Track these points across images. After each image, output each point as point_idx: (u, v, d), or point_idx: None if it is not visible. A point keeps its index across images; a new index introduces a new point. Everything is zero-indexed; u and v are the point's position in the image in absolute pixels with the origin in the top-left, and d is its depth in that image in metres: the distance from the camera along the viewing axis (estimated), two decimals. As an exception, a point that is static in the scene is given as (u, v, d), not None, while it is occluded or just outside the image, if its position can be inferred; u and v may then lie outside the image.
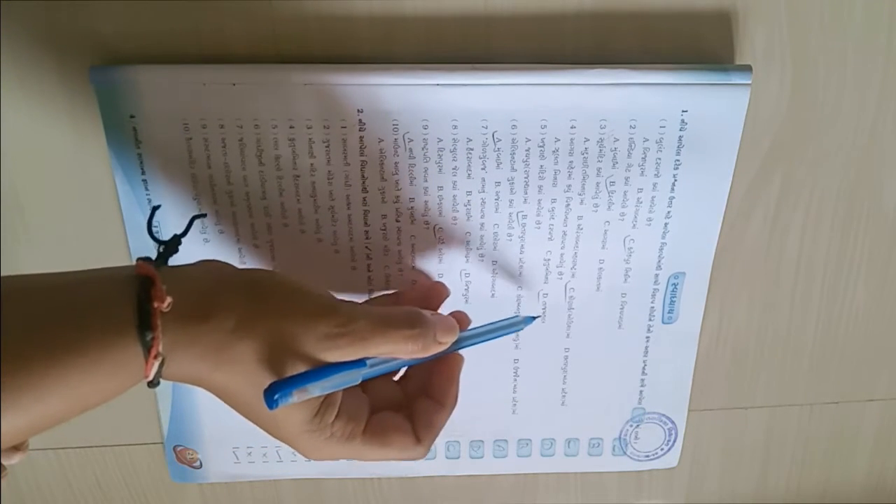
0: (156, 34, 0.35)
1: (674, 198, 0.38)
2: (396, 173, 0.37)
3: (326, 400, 0.29)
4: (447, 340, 0.32)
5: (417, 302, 0.36)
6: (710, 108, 0.36)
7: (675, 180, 0.38)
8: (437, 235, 0.39)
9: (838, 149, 0.40)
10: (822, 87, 0.38)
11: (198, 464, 0.45)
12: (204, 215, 0.37)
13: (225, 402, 0.29)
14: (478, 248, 0.39)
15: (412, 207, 0.38)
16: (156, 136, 0.36)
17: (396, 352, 0.30)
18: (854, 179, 0.41)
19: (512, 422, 0.45)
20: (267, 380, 0.27)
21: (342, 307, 0.30)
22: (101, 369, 0.25)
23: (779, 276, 0.43)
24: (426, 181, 0.37)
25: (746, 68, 0.36)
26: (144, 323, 0.26)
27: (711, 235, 0.40)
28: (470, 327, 0.35)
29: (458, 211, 0.38)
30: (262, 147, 0.36)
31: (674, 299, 0.41)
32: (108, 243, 0.39)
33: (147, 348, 0.26)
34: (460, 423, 0.44)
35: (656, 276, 0.41)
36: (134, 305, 0.26)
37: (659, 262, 0.40)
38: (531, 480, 0.48)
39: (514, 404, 0.44)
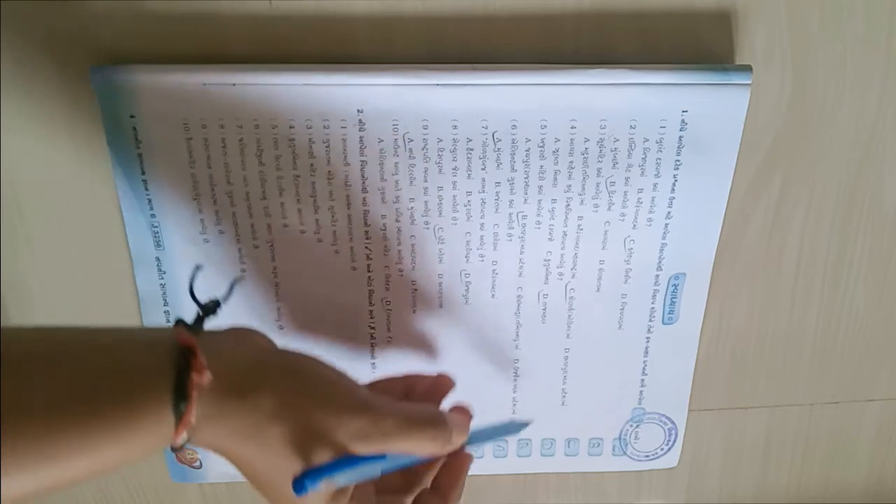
0: (156, 34, 0.35)
1: (674, 198, 0.38)
2: (396, 173, 0.37)
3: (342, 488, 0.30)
4: (460, 441, 0.34)
5: (425, 395, 0.38)
6: (710, 108, 0.36)
7: (676, 180, 0.38)
8: (437, 235, 0.39)
9: (838, 149, 0.40)
10: (822, 87, 0.38)
11: (198, 464, 0.45)
12: (242, 278, 0.38)
13: (243, 473, 0.30)
14: (478, 248, 0.39)
15: (412, 207, 0.38)
16: (156, 136, 0.36)
17: (416, 449, 0.32)
18: (854, 179, 0.41)
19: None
20: (293, 464, 0.28)
21: (374, 405, 0.31)
22: (132, 436, 0.25)
23: (779, 276, 0.43)
24: (426, 181, 0.37)
25: (746, 68, 0.36)
26: (181, 394, 0.26)
27: (712, 236, 0.40)
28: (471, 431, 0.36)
29: (458, 211, 0.38)
30: (262, 147, 0.36)
31: (674, 300, 0.41)
32: (109, 243, 0.39)
33: (179, 418, 0.26)
34: (460, 423, 0.45)
35: (657, 276, 0.41)
36: (172, 377, 0.26)
37: (659, 262, 0.40)
38: (531, 480, 0.48)
39: (514, 404, 0.44)
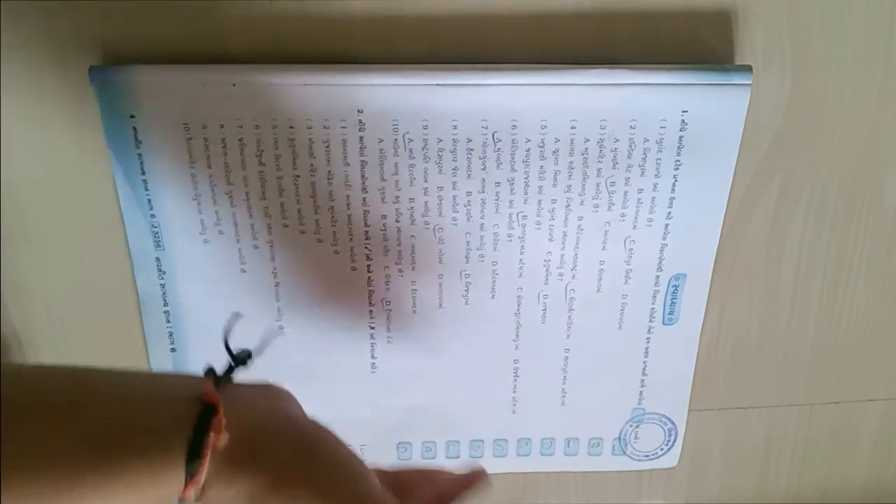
0: (156, 34, 0.35)
1: (674, 198, 0.38)
2: (396, 173, 0.37)
3: None
4: None
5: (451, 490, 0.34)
6: (710, 108, 0.36)
7: (676, 181, 0.38)
8: (437, 235, 0.39)
9: (838, 149, 0.40)
10: (822, 87, 0.38)
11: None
12: (280, 333, 0.39)
13: None
14: (478, 249, 0.39)
15: (412, 207, 0.38)
16: (156, 136, 0.36)
17: None
18: (854, 179, 0.41)
19: (512, 421, 0.45)
20: None
21: (380, 500, 0.29)
22: (142, 488, 0.25)
23: (779, 277, 0.43)
24: (426, 181, 0.37)
25: (746, 68, 0.36)
26: (195, 453, 0.25)
27: (712, 236, 0.40)
28: None
29: (458, 211, 0.38)
30: (262, 147, 0.36)
31: (674, 301, 0.41)
32: (109, 243, 0.39)
33: (190, 476, 0.25)
34: (460, 422, 0.45)
35: (657, 277, 0.41)
36: (189, 437, 0.25)
37: (660, 263, 0.40)
38: (531, 480, 0.48)
39: (514, 404, 0.44)
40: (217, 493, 0.27)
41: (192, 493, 0.26)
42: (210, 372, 0.29)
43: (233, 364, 0.30)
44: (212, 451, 0.25)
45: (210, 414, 0.26)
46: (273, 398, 0.30)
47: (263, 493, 0.27)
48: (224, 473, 0.26)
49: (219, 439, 0.26)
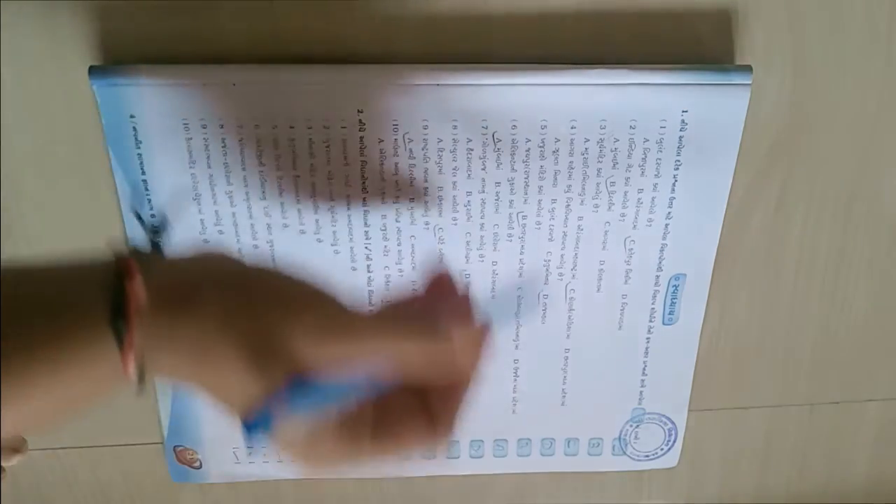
0: (156, 34, 0.35)
1: (674, 198, 0.38)
2: (396, 173, 0.37)
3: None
4: (463, 332, 0.27)
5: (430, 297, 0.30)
6: (710, 108, 0.36)
7: (676, 181, 0.38)
8: (437, 235, 0.39)
9: (838, 149, 0.40)
10: (822, 87, 0.38)
11: (198, 464, 0.45)
12: (194, 196, 0.34)
13: (219, 407, 0.27)
14: (478, 248, 0.39)
15: (412, 207, 0.38)
16: (156, 136, 0.36)
17: (399, 350, 0.26)
18: (854, 179, 0.41)
19: (512, 421, 0.45)
20: (248, 387, 0.25)
21: (337, 300, 0.27)
22: (79, 366, 0.24)
23: (779, 276, 0.43)
24: (426, 181, 0.37)
25: (746, 68, 0.36)
26: (117, 313, 0.24)
27: (712, 236, 0.40)
28: None
29: (458, 211, 0.38)
30: (262, 147, 0.36)
31: (674, 301, 0.41)
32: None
33: (121, 340, 0.24)
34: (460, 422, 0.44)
35: (657, 277, 0.41)
36: (108, 296, 0.24)
37: (660, 263, 0.40)
38: (531, 480, 0.48)
39: (514, 404, 0.44)
40: (163, 359, 0.25)
41: (131, 362, 0.24)
42: (134, 251, 0.27)
43: (152, 237, 0.29)
44: (137, 309, 0.24)
45: (125, 275, 0.24)
46: (206, 255, 0.28)
47: (210, 338, 0.25)
48: (161, 332, 0.25)
49: (135, 289, 0.24)
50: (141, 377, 0.25)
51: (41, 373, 0.23)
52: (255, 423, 0.24)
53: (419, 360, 0.26)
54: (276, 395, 0.24)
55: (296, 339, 0.25)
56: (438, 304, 0.29)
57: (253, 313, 0.25)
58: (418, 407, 0.27)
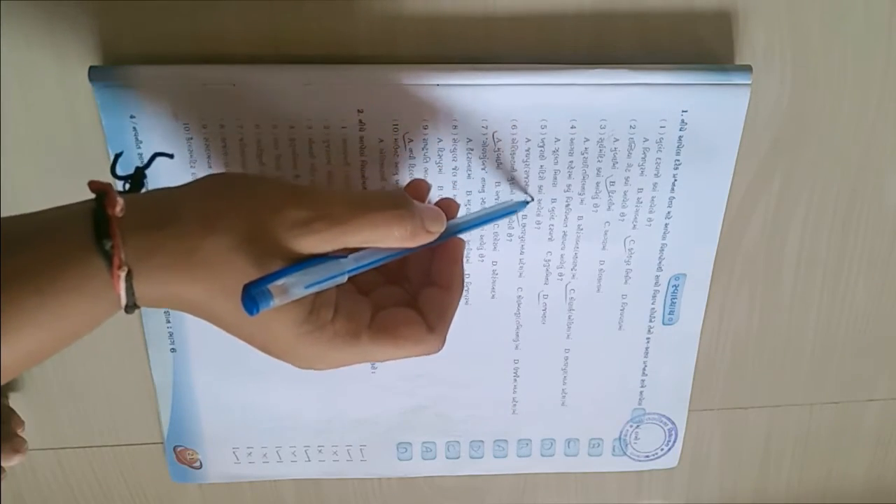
0: (156, 34, 0.35)
1: (674, 198, 0.38)
2: (396, 173, 0.37)
3: (319, 298, 0.27)
4: (436, 230, 0.29)
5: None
6: (710, 108, 0.36)
7: (676, 180, 0.38)
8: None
9: (838, 149, 0.40)
10: (822, 87, 0.38)
11: (198, 464, 0.45)
12: (171, 156, 0.34)
13: (213, 323, 0.27)
14: (478, 249, 0.39)
15: (412, 207, 0.38)
16: (156, 136, 0.36)
17: (381, 239, 0.28)
18: (854, 179, 0.41)
19: (512, 422, 0.45)
20: (243, 275, 0.25)
21: (313, 190, 0.28)
22: (69, 290, 0.24)
23: (779, 276, 0.43)
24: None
25: (746, 68, 0.36)
26: (102, 232, 0.24)
27: (712, 236, 0.40)
28: (462, 217, 0.33)
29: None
30: (262, 147, 0.36)
31: (674, 301, 0.41)
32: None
33: (108, 259, 0.24)
34: (460, 422, 0.45)
35: (657, 277, 0.41)
36: (91, 220, 0.25)
37: (659, 263, 0.40)
38: (531, 480, 0.48)
39: (514, 404, 0.44)
40: (150, 271, 0.25)
41: (121, 281, 0.24)
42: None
43: (128, 188, 0.30)
44: (122, 231, 0.25)
45: (104, 198, 0.25)
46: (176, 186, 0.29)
47: (195, 240, 0.25)
48: (146, 245, 0.25)
49: (117, 210, 0.25)
50: (131, 294, 0.25)
51: (32, 301, 0.23)
52: (255, 296, 0.25)
53: (392, 230, 0.28)
54: (274, 275, 0.25)
55: (279, 236, 0.26)
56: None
57: (231, 215, 0.26)
58: (413, 311, 0.30)
